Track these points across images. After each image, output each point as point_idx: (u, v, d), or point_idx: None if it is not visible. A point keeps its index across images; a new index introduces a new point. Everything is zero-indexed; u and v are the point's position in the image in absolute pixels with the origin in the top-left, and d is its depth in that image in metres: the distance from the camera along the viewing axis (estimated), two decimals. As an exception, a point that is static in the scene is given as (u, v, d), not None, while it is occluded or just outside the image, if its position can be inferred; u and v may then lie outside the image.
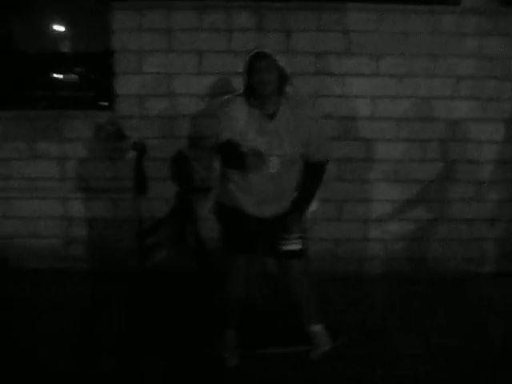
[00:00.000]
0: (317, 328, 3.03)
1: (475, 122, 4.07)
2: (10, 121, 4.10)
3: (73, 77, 21.06)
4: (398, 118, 4.06)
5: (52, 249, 4.22)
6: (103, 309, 3.63)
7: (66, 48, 27.57)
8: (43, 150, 4.09)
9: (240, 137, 2.66)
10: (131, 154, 3.97)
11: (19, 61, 18.72)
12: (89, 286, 3.94)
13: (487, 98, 4.04)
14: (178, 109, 4.01)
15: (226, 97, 2.78)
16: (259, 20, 3.89)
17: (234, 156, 2.67)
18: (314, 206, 2.97)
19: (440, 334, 3.33)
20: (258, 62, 2.60)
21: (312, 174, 2.86)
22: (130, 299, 3.74)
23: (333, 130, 4.02)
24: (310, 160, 2.83)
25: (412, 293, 3.92)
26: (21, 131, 4.08)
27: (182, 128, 4.03)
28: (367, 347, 3.15)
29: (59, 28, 29.61)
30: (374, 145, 4.09)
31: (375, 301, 3.80)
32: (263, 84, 2.59)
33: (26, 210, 4.18)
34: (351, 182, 4.13)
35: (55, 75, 21.18)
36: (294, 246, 2.91)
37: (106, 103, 9.06)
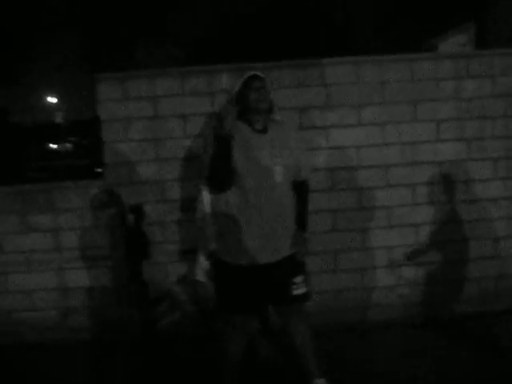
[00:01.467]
0: (320, 382, 2.97)
1: (461, 163, 4.12)
2: (3, 196, 4.14)
3: (67, 146, 21.39)
4: (385, 165, 4.12)
5: (49, 321, 4.17)
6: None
7: (59, 118, 28.14)
8: (37, 223, 4.12)
9: (242, 152, 2.74)
10: (129, 219, 4.01)
11: (14, 133, 19.06)
12: (89, 357, 3.89)
13: (470, 138, 4.12)
14: (167, 173, 4.07)
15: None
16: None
17: (224, 169, 2.68)
18: None
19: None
20: (255, 81, 2.80)
21: (301, 194, 2.98)
22: (134, 367, 3.69)
23: (322, 182, 4.07)
24: (297, 179, 2.95)
25: (410, 338, 3.88)
26: (15, 205, 4.12)
27: (173, 191, 4.08)
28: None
29: (52, 99, 30.30)
30: (365, 193, 4.13)
31: (375, 350, 3.74)
32: (261, 101, 2.77)
33: (22, 283, 4.17)
34: (345, 231, 4.14)
35: (50, 145, 21.51)
36: (303, 289, 2.90)
37: (100, 170, 9.18)
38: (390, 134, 4.09)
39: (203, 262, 2.89)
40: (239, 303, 2.84)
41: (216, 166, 2.69)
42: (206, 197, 2.93)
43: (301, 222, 2.97)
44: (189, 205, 4.04)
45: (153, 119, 4.01)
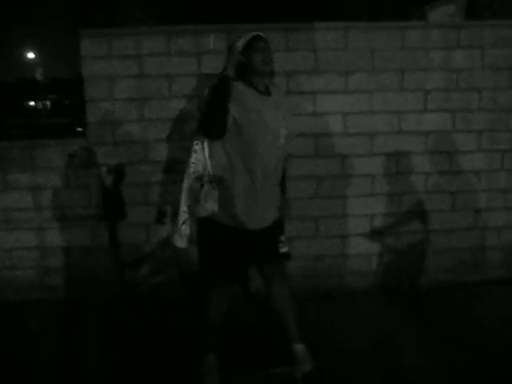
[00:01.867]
0: (299, 347, 3.00)
1: (446, 134, 4.13)
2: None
3: (47, 104, 21.00)
4: (370, 133, 4.10)
5: (29, 279, 4.15)
6: (86, 338, 3.58)
7: (39, 75, 27.55)
8: (16, 181, 4.05)
9: (244, 117, 2.65)
10: (108, 180, 3.97)
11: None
12: (69, 316, 3.89)
13: (456, 110, 4.12)
14: (151, 133, 4.01)
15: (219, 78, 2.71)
16: (228, 42, 3.91)
17: (220, 114, 2.60)
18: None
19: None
20: (260, 42, 2.71)
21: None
22: (112, 327, 3.69)
23: (307, 148, 4.05)
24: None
25: (392, 305, 3.94)
26: (-6, 162, 4.04)
27: (156, 152, 4.03)
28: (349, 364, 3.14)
29: (33, 55, 29.61)
30: (349, 160, 4.12)
31: (354, 317, 3.79)
32: (267, 63, 2.71)
33: (1, 241, 4.12)
34: (327, 198, 4.15)
35: (31, 103, 21.09)
36: (286, 247, 2.95)
37: (81, 129, 9.06)
38: (377, 101, 4.07)
39: (182, 227, 2.84)
40: (229, 266, 2.82)
41: (212, 110, 2.62)
42: (201, 157, 2.82)
43: (283, 185, 2.99)
44: (173, 166, 4.02)
45: (138, 78, 3.92)
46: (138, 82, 3.93)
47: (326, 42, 3.97)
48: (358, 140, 4.11)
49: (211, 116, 2.64)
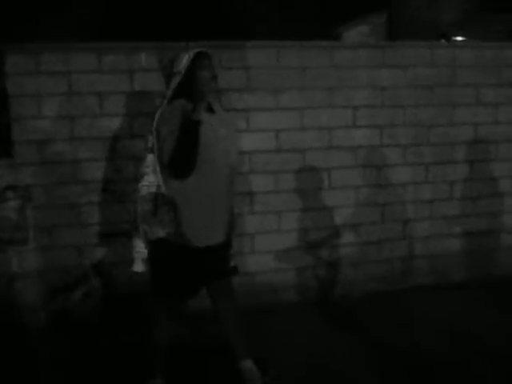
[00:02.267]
0: (246, 363, 3.00)
1: (374, 149, 4.30)
2: None
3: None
4: (302, 149, 4.20)
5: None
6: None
7: None
8: None
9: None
10: (14, 203, 3.81)
11: None
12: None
13: (383, 126, 4.30)
14: (81, 152, 3.89)
15: (163, 107, 2.70)
16: (160, 60, 3.87)
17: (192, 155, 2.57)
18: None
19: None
20: (205, 59, 2.68)
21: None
22: (39, 356, 3.52)
23: (241, 165, 4.08)
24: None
25: (326, 317, 4.03)
26: None
27: (87, 172, 3.91)
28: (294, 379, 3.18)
29: None
30: (282, 176, 4.19)
31: (290, 331, 3.83)
32: (211, 79, 2.69)
33: None
34: (262, 214, 4.19)
35: None
36: (233, 262, 2.98)
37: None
38: (308, 118, 4.18)
39: (141, 250, 2.77)
40: (179, 286, 2.79)
41: (183, 151, 2.55)
42: (153, 179, 2.73)
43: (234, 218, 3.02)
44: (105, 186, 3.92)
45: (67, 96, 3.80)
46: (67, 99, 3.81)
47: (259, 60, 4.04)
48: (291, 156, 4.19)
49: (183, 161, 2.58)
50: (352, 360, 3.36)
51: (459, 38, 6.56)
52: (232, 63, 4.01)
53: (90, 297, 3.97)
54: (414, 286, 4.49)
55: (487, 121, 4.52)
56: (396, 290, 4.43)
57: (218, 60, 3.96)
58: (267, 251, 4.24)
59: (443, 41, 5.28)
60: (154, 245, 2.74)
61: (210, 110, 2.78)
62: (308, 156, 4.21)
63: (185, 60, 2.66)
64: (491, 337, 3.60)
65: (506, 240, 4.71)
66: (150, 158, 2.70)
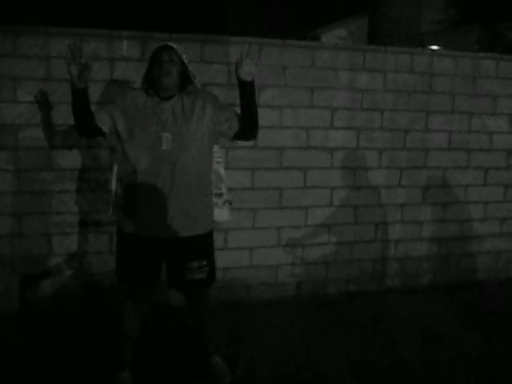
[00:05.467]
0: (215, 359, 2.99)
1: (351, 151, 4.34)
2: None
3: None
4: (280, 148, 4.20)
5: None
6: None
7: None
8: None
9: (129, 119, 2.72)
10: None
11: None
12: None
13: (360, 128, 4.35)
14: (57, 139, 3.81)
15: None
16: (143, 50, 3.85)
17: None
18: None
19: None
20: (163, 54, 2.68)
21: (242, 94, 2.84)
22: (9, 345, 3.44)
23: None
24: (234, 129, 2.86)
25: (301, 316, 4.05)
26: None
27: (62, 159, 3.84)
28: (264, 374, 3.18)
29: None
30: (258, 173, 4.19)
31: (263, 329, 3.84)
32: (163, 76, 2.66)
33: None
34: (237, 210, 4.18)
35: None
36: (202, 274, 2.80)
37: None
38: (287, 117, 4.19)
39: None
40: (134, 271, 2.79)
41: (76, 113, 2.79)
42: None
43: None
44: (80, 174, 3.86)
45: (45, 81, 3.72)
46: (44, 84, 3.73)
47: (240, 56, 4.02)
48: (268, 154, 4.20)
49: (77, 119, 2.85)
50: (324, 357, 3.40)
51: (434, 47, 6.69)
52: (214, 57, 3.98)
53: (59, 286, 3.90)
54: (385, 287, 4.57)
55: (461, 129, 4.60)
56: (368, 290, 4.50)
57: (201, 53, 3.97)
58: (239, 247, 4.24)
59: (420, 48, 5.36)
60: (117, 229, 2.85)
61: (168, 97, 2.74)
62: (285, 155, 4.23)
63: (152, 52, 2.75)
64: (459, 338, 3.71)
65: (474, 246, 4.82)
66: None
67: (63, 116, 3.77)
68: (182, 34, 3.92)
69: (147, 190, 2.67)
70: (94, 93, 3.78)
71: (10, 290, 3.83)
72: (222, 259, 4.19)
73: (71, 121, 3.71)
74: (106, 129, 2.77)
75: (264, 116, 4.09)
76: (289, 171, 4.25)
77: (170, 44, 2.72)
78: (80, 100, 2.72)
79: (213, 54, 3.99)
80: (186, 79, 2.77)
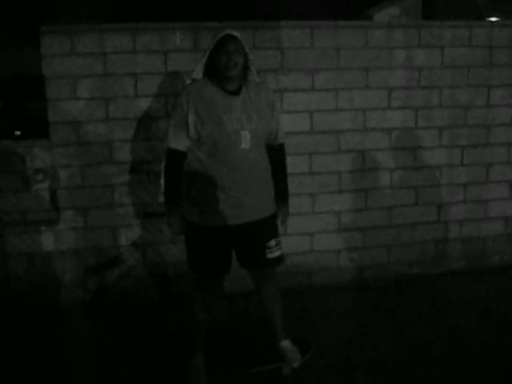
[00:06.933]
0: (286, 343, 3.01)
1: (409, 131, 4.24)
2: None
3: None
4: (336, 131, 4.15)
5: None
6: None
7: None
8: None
9: (206, 119, 2.65)
10: (42, 185, 3.85)
11: None
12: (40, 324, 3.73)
13: (418, 107, 4.23)
14: (116, 133, 3.91)
15: (184, 86, 2.86)
16: (195, 40, 3.87)
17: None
18: None
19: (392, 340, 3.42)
20: (227, 43, 2.62)
21: (280, 158, 2.97)
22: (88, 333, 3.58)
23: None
24: (274, 142, 2.90)
25: (363, 300, 4.01)
26: None
27: (122, 153, 3.93)
28: (332, 358, 3.17)
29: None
30: (316, 158, 4.16)
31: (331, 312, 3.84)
32: (230, 67, 2.63)
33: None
34: (296, 195, 4.16)
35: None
36: (276, 252, 2.89)
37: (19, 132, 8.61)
38: (343, 99, 4.13)
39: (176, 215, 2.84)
40: (210, 265, 2.82)
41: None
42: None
43: (282, 189, 2.98)
44: (139, 167, 3.94)
45: (102, 77, 3.81)
46: (102, 80, 3.82)
47: (293, 40, 3.99)
48: (325, 138, 4.16)
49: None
50: (388, 340, 3.36)
51: (493, 19, 6.42)
52: (266, 43, 3.95)
53: (125, 276, 4.01)
54: (449, 270, 4.46)
55: (525, 102, 4.41)
56: (430, 274, 4.40)
57: (252, 40, 3.95)
58: (300, 233, 4.23)
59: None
60: (185, 224, 2.84)
61: (235, 91, 2.73)
62: (342, 137, 4.17)
63: (212, 42, 2.67)
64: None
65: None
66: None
67: (121, 111, 3.86)
68: (233, 21, 3.92)
69: (225, 187, 2.71)
70: (151, 86, 3.87)
71: (78, 281, 3.97)
72: (282, 245, 4.20)
73: (130, 114, 3.88)
74: (184, 149, 2.77)
75: (319, 100, 4.09)
76: (347, 154, 4.20)
77: (234, 34, 2.65)
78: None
79: (265, 40, 3.97)
80: (246, 68, 2.76)
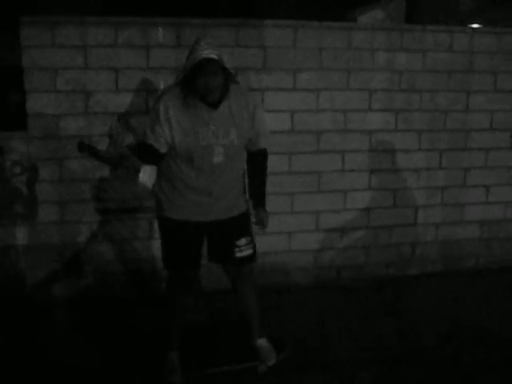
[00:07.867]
0: (262, 341, 3.03)
1: (389, 133, 4.27)
2: None
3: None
4: (317, 131, 4.17)
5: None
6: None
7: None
8: None
9: (180, 130, 2.60)
10: (20, 178, 3.81)
11: None
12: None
13: (398, 110, 4.26)
14: (96, 127, 3.87)
15: (163, 90, 2.81)
16: (177, 36, 3.85)
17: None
18: None
19: (374, 337, 3.44)
20: (205, 67, 2.50)
21: (259, 162, 2.93)
22: (60, 329, 3.55)
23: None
24: (254, 147, 2.87)
25: (341, 299, 4.04)
26: None
27: (101, 147, 3.87)
28: (309, 357, 3.18)
29: None
30: (296, 157, 4.17)
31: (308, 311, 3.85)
32: (210, 91, 2.55)
33: None
34: (275, 195, 4.16)
35: None
36: (248, 251, 2.90)
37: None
38: (324, 100, 4.14)
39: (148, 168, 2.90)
40: (180, 258, 2.83)
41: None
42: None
43: (259, 192, 2.95)
44: (118, 162, 3.91)
45: (83, 70, 3.77)
46: (82, 73, 3.78)
47: (276, 39, 3.99)
48: (305, 138, 4.16)
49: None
50: (362, 342, 3.38)
51: (475, 25, 6.50)
52: (249, 41, 3.95)
53: (101, 272, 3.98)
54: (424, 272, 4.52)
55: (504, 108, 4.47)
56: (405, 275, 4.45)
57: (235, 38, 3.94)
58: (278, 232, 4.23)
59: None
60: (159, 220, 2.88)
61: (215, 104, 2.63)
62: (322, 138, 4.18)
63: (190, 61, 2.52)
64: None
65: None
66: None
67: (101, 105, 3.83)
68: (217, 19, 3.92)
69: (196, 189, 2.72)
70: (132, 81, 3.84)
71: (52, 276, 3.93)
72: (260, 244, 4.16)
73: (110, 108, 3.84)
74: (163, 150, 2.70)
75: (300, 99, 4.10)
76: (326, 155, 4.21)
77: (212, 56, 2.50)
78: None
79: (248, 38, 3.96)
80: (227, 80, 2.64)
